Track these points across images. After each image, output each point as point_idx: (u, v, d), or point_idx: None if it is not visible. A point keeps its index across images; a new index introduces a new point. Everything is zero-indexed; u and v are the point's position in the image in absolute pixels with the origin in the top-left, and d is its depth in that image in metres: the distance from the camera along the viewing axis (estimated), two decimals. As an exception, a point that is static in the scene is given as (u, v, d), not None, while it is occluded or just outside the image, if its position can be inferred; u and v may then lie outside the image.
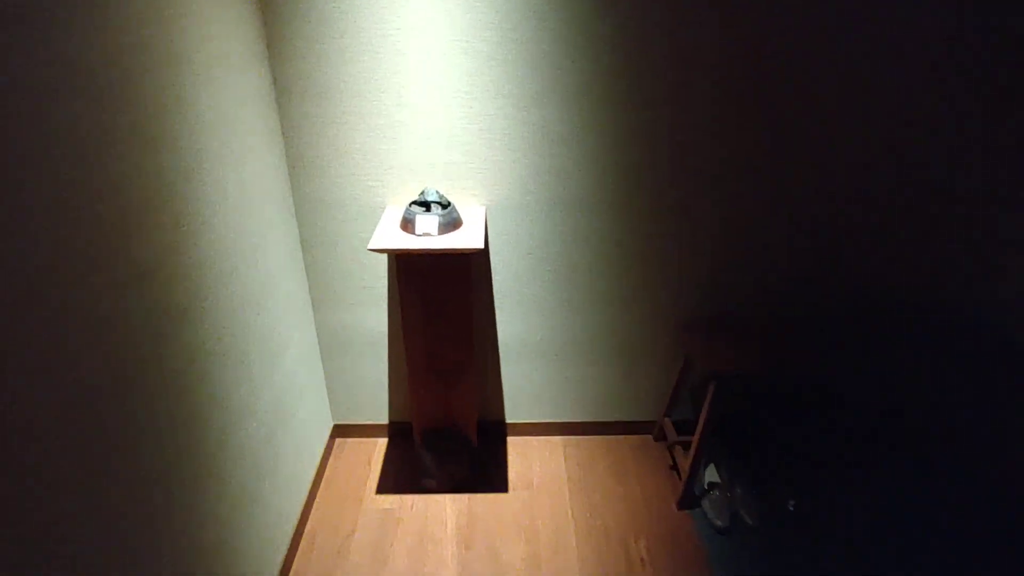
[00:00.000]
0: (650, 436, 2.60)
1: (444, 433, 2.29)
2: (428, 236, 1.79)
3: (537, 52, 1.81)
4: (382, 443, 2.53)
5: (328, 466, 2.38)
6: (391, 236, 1.81)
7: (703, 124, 1.94)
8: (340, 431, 2.51)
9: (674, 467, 2.43)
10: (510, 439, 2.55)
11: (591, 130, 1.93)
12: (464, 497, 2.26)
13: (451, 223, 1.83)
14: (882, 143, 1.98)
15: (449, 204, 1.88)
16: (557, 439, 2.57)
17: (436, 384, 2.15)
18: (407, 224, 1.82)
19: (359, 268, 2.14)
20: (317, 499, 2.23)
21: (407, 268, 1.87)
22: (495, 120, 1.90)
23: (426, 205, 1.87)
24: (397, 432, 2.53)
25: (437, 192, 1.88)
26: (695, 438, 2.10)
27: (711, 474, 2.30)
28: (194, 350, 1.38)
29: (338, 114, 1.87)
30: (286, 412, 1.95)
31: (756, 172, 2.02)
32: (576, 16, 1.77)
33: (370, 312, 2.23)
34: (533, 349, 2.35)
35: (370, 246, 1.72)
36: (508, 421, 2.53)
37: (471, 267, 1.89)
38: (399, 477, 2.35)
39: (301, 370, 2.11)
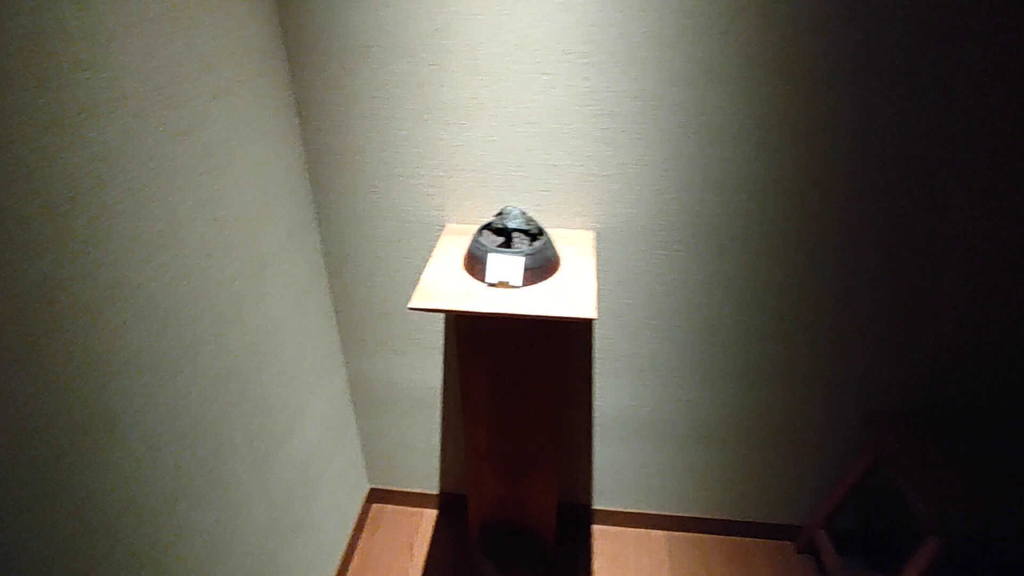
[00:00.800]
0: (790, 544, 1.88)
1: (510, 531, 1.67)
2: (506, 287, 1.13)
3: (708, -14, 1.07)
4: (429, 516, 1.95)
5: (358, 549, 1.83)
6: (447, 282, 1.16)
7: (947, 129, 1.14)
8: (378, 496, 1.96)
9: (832, 607, 1.71)
10: (596, 528, 1.91)
11: (773, 127, 1.18)
12: (533, 623, 1.65)
13: (543, 265, 1.15)
14: None
15: (541, 233, 1.20)
16: (659, 534, 1.90)
17: (503, 474, 1.53)
18: (474, 263, 1.16)
19: (404, 305, 1.52)
20: (339, 602, 1.69)
21: (470, 332, 1.22)
22: (624, 101, 1.19)
23: (505, 234, 1.20)
24: (449, 505, 1.94)
25: (523, 214, 1.20)
26: (895, 607, 1.37)
27: (896, 636, 1.57)
28: (99, 498, 0.80)
29: (378, 84, 1.22)
30: (299, 499, 1.39)
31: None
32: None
33: (419, 363, 1.62)
34: (641, 426, 1.67)
35: (412, 303, 1.08)
36: (596, 507, 1.88)
37: (569, 334, 1.21)
38: (448, 577, 1.77)
39: (324, 434, 1.54)
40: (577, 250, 1.27)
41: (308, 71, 1.22)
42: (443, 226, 1.37)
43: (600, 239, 1.35)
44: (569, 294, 1.11)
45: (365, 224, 1.39)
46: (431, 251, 1.37)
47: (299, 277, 1.34)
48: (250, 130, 1.10)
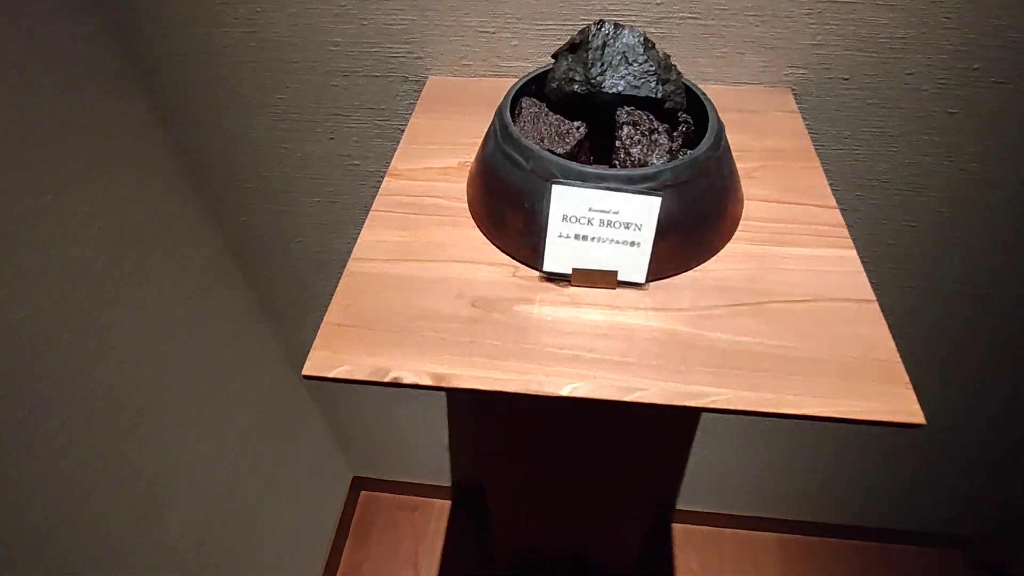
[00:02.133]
0: (959, 552, 1.32)
1: (558, 568, 1.09)
2: (606, 287, 0.37)
3: None
4: (440, 510, 1.39)
5: (344, 563, 1.30)
6: (420, 266, 0.40)
7: None
8: (366, 484, 1.38)
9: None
10: (677, 529, 1.35)
11: None
12: None
13: (710, 209, 0.38)
14: None
15: (698, 107, 0.41)
16: (770, 538, 1.34)
17: (547, 512, 0.90)
18: (499, 203, 0.39)
19: (347, 252, 0.77)
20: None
21: (498, 409, 0.49)
22: None
23: (590, 111, 0.41)
24: (467, 496, 1.38)
25: (645, 47, 0.39)
26: None
27: None
28: None
29: None
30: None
31: None
32: None
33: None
34: (775, 428, 1.00)
35: (307, 366, 0.34)
36: (679, 507, 1.30)
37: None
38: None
39: (263, 435, 0.90)
40: (763, 143, 0.48)
41: None
42: (422, 81, 0.57)
43: (806, 95, 0.55)
44: (799, 306, 0.36)
45: (238, 74, 0.60)
46: (390, 154, 0.57)
47: (106, 206, 0.59)
48: None
